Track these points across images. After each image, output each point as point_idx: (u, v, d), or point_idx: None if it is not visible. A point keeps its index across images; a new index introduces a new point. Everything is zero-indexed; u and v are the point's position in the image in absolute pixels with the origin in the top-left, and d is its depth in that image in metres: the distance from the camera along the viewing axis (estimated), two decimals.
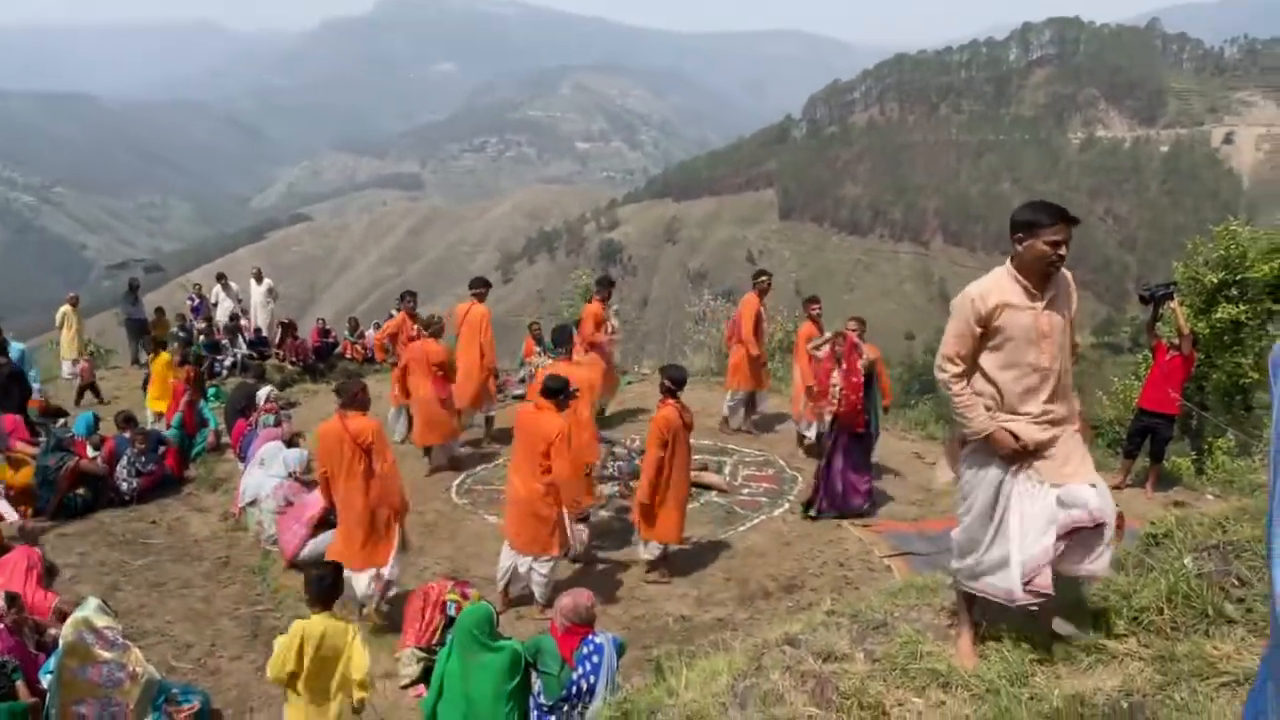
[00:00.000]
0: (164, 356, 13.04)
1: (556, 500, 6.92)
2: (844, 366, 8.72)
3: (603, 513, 9.13)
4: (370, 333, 18.51)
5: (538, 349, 14.46)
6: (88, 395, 14.64)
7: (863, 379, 8.70)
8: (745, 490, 9.81)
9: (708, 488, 9.67)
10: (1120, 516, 4.29)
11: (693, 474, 9.84)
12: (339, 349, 17.77)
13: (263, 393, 11.07)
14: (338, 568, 5.23)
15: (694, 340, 18.34)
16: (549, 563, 7.09)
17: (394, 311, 12.69)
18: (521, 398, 13.36)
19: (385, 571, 6.85)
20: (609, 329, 11.28)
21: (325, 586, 4.97)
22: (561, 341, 8.98)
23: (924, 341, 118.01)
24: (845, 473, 8.79)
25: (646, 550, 7.76)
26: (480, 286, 11.00)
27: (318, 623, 4.89)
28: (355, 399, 6.68)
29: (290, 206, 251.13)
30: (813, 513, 8.78)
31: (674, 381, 7.61)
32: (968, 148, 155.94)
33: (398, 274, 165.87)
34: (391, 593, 7.00)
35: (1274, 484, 2.53)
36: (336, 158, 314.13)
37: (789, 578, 7.69)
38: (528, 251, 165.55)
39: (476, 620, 5.10)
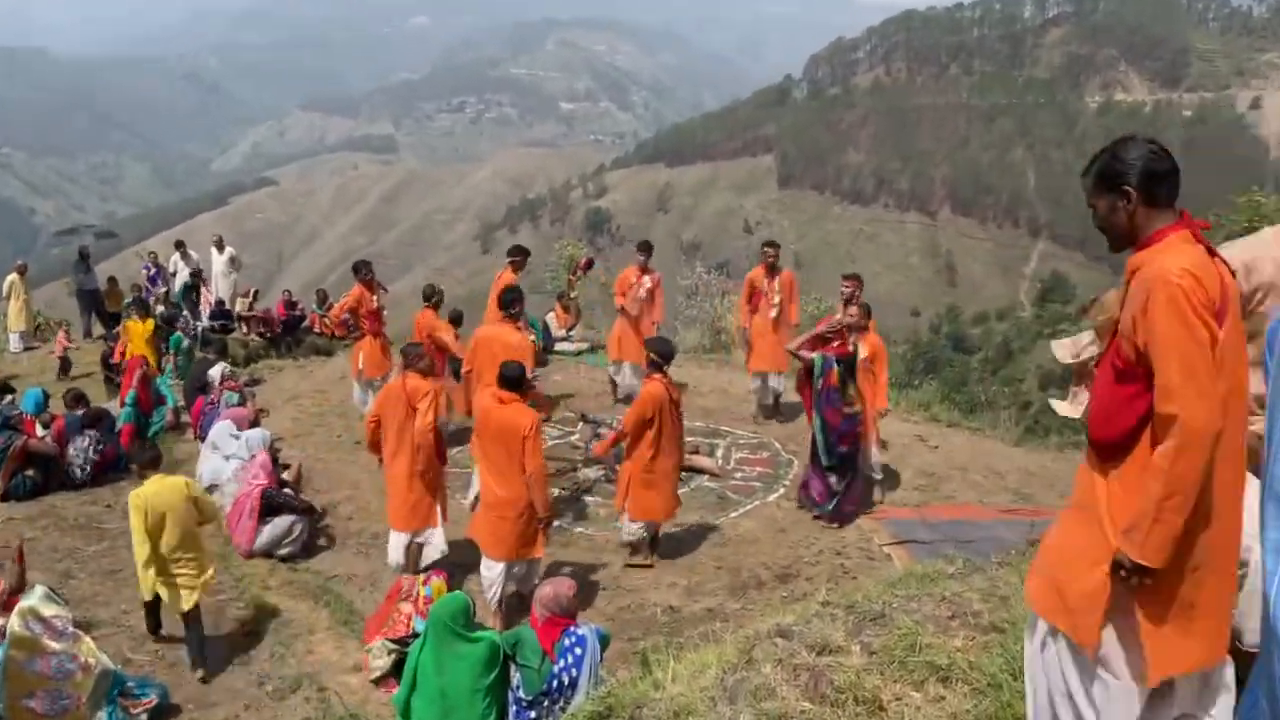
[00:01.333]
0: (142, 327, 12.95)
1: (543, 501, 6.75)
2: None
3: (587, 498, 9.16)
4: (336, 307, 18.44)
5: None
6: (55, 372, 14.56)
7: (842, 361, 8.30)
8: (738, 474, 9.84)
9: (699, 471, 9.69)
10: None
11: (684, 457, 9.89)
12: (306, 322, 17.69)
13: (215, 371, 11.02)
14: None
15: (686, 315, 18.34)
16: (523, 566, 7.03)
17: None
18: None
19: (427, 536, 7.33)
20: (639, 293, 11.47)
21: (155, 455, 6.53)
22: (509, 304, 8.59)
23: (930, 318, 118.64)
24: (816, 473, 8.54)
25: (627, 530, 7.78)
26: (517, 255, 10.94)
27: (149, 484, 6.28)
28: (419, 360, 7.29)
29: (254, 170, 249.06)
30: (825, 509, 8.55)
31: (660, 355, 7.65)
32: (979, 111, 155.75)
33: (369, 243, 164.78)
34: (426, 562, 7.37)
35: (1271, 468, 2.52)
36: (304, 118, 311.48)
37: (783, 566, 7.73)
38: (509, 220, 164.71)
39: (452, 610, 5.12)
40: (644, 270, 11.56)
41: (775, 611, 5.26)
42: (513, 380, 6.70)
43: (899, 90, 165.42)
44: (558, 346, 14.94)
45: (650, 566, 7.76)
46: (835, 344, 8.32)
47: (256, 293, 17.70)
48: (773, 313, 10.88)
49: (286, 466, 9.23)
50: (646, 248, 11.91)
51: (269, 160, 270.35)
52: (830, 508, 8.43)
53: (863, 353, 8.56)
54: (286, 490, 8.50)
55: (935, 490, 9.46)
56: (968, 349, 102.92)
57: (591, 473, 9.59)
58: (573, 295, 15.70)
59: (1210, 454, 2.47)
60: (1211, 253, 2.63)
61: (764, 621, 4.77)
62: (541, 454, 6.74)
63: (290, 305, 17.84)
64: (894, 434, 11.09)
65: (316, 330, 17.62)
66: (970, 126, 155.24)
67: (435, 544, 7.39)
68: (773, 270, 11.09)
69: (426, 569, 7.19)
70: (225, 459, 9.06)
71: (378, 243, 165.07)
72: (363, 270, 11.63)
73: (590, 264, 15.80)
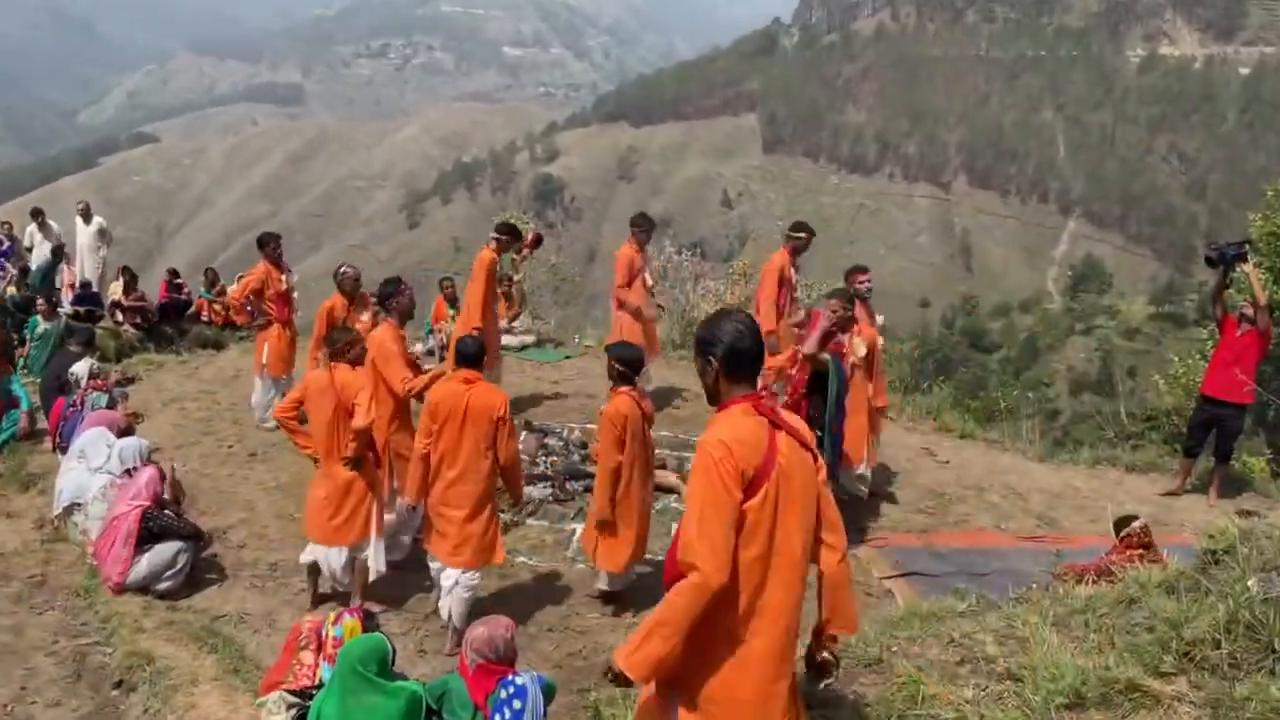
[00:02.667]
0: None
1: (516, 491, 7.27)
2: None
3: (531, 521, 9.14)
4: (233, 288, 18.23)
5: (450, 312, 14.38)
6: None
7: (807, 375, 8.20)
8: None
9: (667, 490, 9.69)
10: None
11: (674, 480, 9.89)
12: (193, 308, 17.49)
13: (81, 367, 10.87)
14: None
15: (653, 304, 18.35)
16: (479, 574, 7.19)
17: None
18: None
19: (365, 553, 7.49)
20: (645, 281, 11.57)
21: None
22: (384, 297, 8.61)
23: (941, 309, 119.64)
24: None
25: (604, 581, 7.78)
26: (505, 234, 11.04)
27: None
28: (350, 349, 7.47)
29: (130, 124, 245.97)
30: None
31: (626, 364, 7.50)
32: (1000, 66, 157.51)
33: (271, 214, 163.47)
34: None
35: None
36: (191, 63, 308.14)
37: None
38: (441, 188, 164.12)
39: (365, 652, 5.08)
40: (642, 250, 11.51)
41: None
42: (473, 357, 7.10)
43: (907, 39, 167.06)
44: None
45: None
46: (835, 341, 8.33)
47: (133, 273, 17.44)
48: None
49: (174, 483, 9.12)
50: (645, 222, 11.75)
51: (148, 113, 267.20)
52: None
53: (860, 351, 8.60)
54: (168, 512, 8.39)
55: (945, 513, 9.52)
56: (986, 347, 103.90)
57: (536, 491, 9.56)
58: (516, 279, 15.66)
59: (705, 603, 3.33)
60: (776, 425, 3.49)
61: None
62: (514, 438, 7.11)
63: (173, 288, 17.63)
64: (897, 446, 11.15)
65: (205, 318, 17.42)
66: (990, 83, 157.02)
67: (375, 557, 7.55)
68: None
69: (327, 603, 7.15)
70: (92, 472, 8.91)
71: (281, 213, 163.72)
72: (270, 244, 11.54)
73: (538, 241, 15.71)
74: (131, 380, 13.46)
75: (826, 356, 8.02)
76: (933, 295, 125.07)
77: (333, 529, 7.43)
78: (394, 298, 8.46)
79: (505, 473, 7.05)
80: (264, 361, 11.35)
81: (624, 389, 7.49)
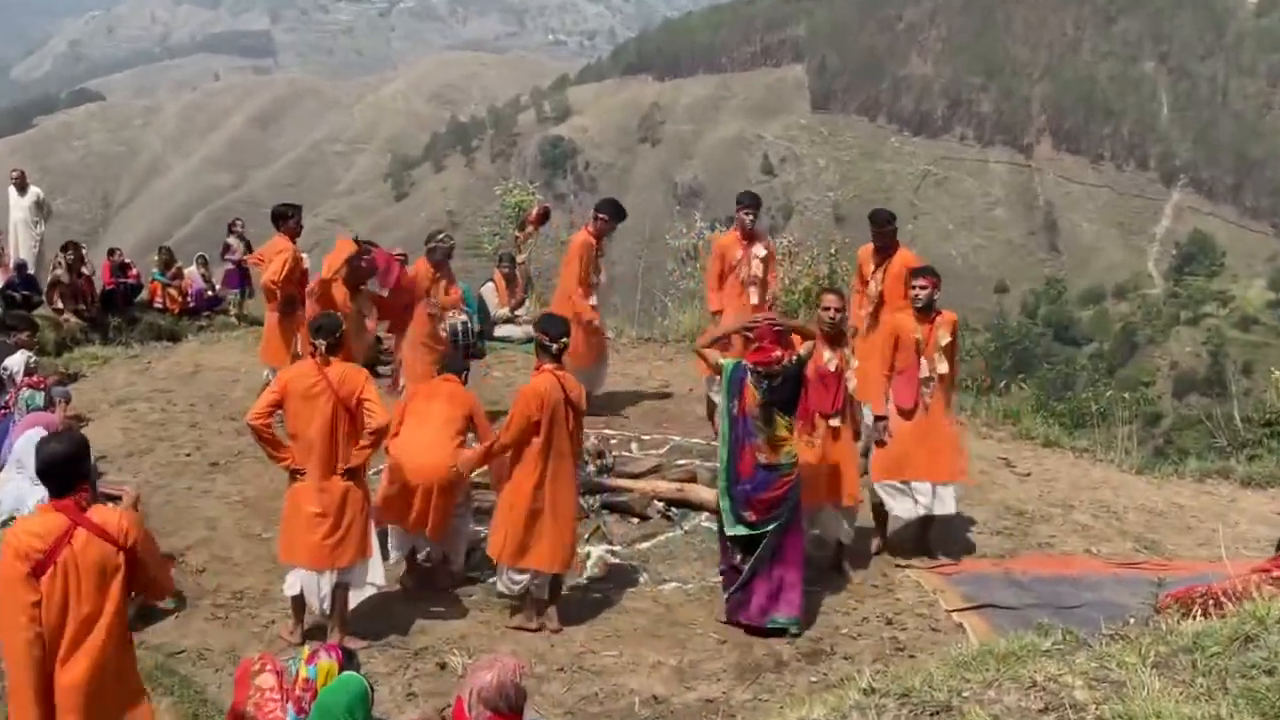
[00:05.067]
0: None
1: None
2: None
3: None
4: (192, 270, 18.29)
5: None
6: None
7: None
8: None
9: (696, 508, 9.71)
10: None
11: (678, 488, 9.89)
12: (144, 294, 17.57)
13: (16, 360, 10.92)
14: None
15: (679, 289, 18.30)
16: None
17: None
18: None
19: (354, 574, 7.53)
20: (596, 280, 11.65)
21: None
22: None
23: (1021, 295, 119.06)
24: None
25: (505, 580, 7.85)
26: (606, 213, 11.29)
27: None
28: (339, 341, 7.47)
29: (72, 79, 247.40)
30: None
31: (552, 337, 7.72)
32: (1093, 7, 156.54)
33: (234, 184, 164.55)
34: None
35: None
36: (141, 7, 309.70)
37: (812, 640, 7.76)
38: (432, 154, 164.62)
39: (349, 699, 5.12)
40: (751, 236, 11.37)
41: (800, 703, 5.28)
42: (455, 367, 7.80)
43: None
44: (499, 331, 14.89)
45: (557, 629, 7.80)
46: (755, 348, 7.84)
47: (77, 248, 17.49)
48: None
49: (114, 498, 9.16)
50: (752, 200, 11.59)
51: (92, 66, 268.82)
52: (727, 596, 7.99)
53: (829, 363, 8.29)
54: None
55: (1025, 535, 9.50)
56: (1074, 339, 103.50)
57: None
58: (521, 260, 15.65)
59: None
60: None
61: (785, 717, 4.77)
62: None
63: (120, 269, 17.68)
64: (969, 456, 11.12)
65: (158, 305, 17.49)
66: (1081, 28, 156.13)
67: (372, 578, 7.64)
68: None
69: (310, 635, 7.18)
70: (34, 482, 8.96)
71: (246, 183, 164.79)
72: (293, 217, 11.50)
73: (545, 215, 15.75)
74: (74, 377, 13.49)
75: (723, 362, 7.95)
76: (1011, 278, 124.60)
77: (328, 550, 7.41)
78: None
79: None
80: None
81: (547, 365, 7.68)
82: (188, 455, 11.06)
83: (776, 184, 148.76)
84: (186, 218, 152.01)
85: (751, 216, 11.24)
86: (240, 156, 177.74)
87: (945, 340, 8.56)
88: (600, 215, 11.44)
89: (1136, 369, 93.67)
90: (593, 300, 11.57)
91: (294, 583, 7.54)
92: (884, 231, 10.55)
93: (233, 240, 18.42)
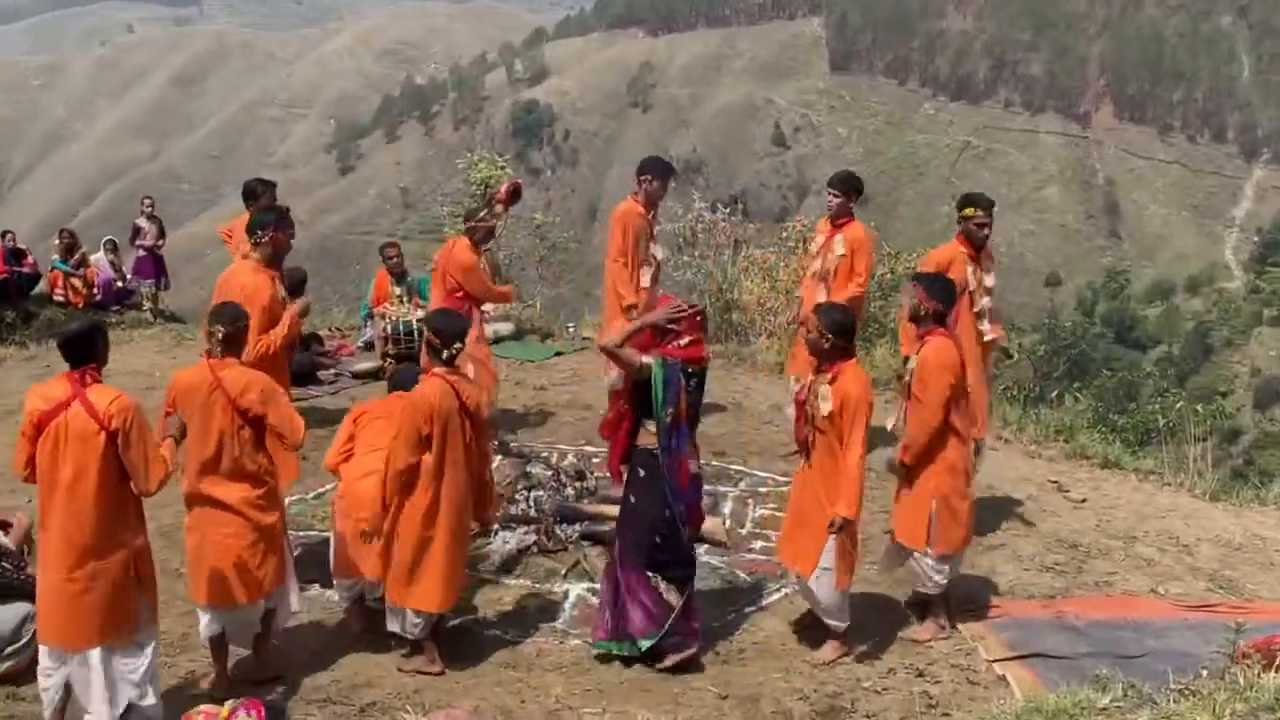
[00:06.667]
0: None
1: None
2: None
3: (509, 580, 9.15)
4: (100, 257, 18.29)
5: (397, 291, 14.38)
6: None
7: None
8: (757, 544, 9.84)
9: (715, 543, 9.72)
10: None
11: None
12: (43, 285, 17.58)
13: None
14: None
15: (676, 281, 18.35)
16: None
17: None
18: (374, 373, 13.45)
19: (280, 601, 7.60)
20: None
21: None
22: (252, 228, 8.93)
23: (1076, 290, 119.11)
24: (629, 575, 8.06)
25: (405, 623, 7.80)
26: (653, 171, 11.18)
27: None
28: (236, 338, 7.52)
29: None
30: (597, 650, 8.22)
31: (441, 335, 7.68)
32: None
33: (152, 155, 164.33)
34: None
35: None
36: None
37: (829, 695, 7.74)
38: (384, 120, 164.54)
39: None
40: (840, 225, 11.28)
41: None
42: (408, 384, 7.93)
43: None
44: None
45: (440, 674, 7.77)
46: (686, 342, 7.82)
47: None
48: None
49: (4, 525, 9.13)
50: (852, 182, 11.45)
51: None
52: (653, 641, 7.95)
53: (824, 409, 8.03)
54: (6, 564, 8.40)
55: (1080, 572, 9.49)
56: (1138, 341, 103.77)
57: (512, 538, 9.59)
58: (487, 246, 15.66)
59: None
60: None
61: None
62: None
63: (14, 256, 17.69)
64: (1016, 479, 11.12)
65: (59, 297, 17.49)
66: None
67: (289, 606, 7.70)
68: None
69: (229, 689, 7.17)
70: None
71: (165, 154, 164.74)
72: (265, 195, 11.54)
73: (516, 193, 15.69)
74: None
75: (649, 361, 7.89)
76: (1065, 269, 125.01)
77: (243, 579, 7.39)
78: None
79: None
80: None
81: (438, 369, 7.65)
82: None
83: (789, 158, 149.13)
84: (93, 195, 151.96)
85: (839, 200, 11.20)
86: (158, 122, 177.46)
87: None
88: (646, 177, 11.19)
89: (1211, 376, 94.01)
90: (644, 280, 11.29)
91: (210, 622, 7.51)
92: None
93: (144, 222, 18.43)
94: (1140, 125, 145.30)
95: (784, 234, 18.38)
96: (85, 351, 6.48)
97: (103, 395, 6.39)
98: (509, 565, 9.35)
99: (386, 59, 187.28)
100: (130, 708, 6.67)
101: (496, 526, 9.87)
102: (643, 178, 11.21)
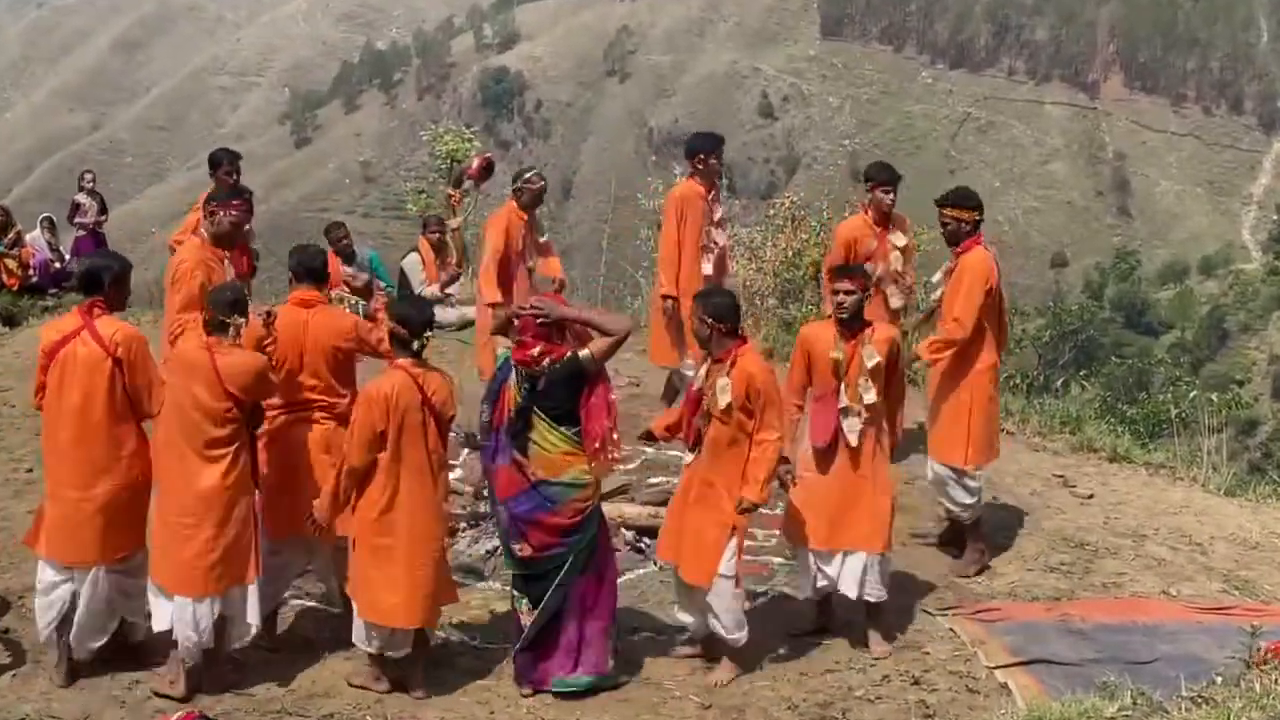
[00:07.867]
0: None
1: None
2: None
3: (478, 584, 9.14)
4: (36, 236, 18.24)
5: (348, 271, 14.36)
6: None
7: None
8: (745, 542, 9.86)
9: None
10: None
11: (650, 513, 9.89)
12: None
13: None
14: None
15: (655, 261, 18.33)
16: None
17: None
18: None
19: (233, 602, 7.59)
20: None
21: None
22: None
23: (1084, 271, 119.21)
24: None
25: (364, 637, 7.73)
26: (705, 151, 11.15)
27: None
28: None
29: None
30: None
31: (408, 325, 7.59)
32: None
33: (93, 126, 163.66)
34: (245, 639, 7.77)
35: None
36: None
37: (819, 705, 7.76)
38: (343, 89, 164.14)
39: None
40: (887, 221, 11.28)
41: None
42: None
43: None
44: None
45: (385, 693, 7.73)
46: (530, 343, 7.70)
47: None
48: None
49: None
50: (891, 176, 11.43)
51: None
52: (512, 656, 7.97)
53: (722, 400, 8.13)
54: None
55: (1087, 572, 9.53)
56: (1149, 326, 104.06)
57: (477, 546, 9.60)
58: (454, 226, 15.61)
59: None
60: None
61: None
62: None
63: None
64: (1018, 473, 11.16)
65: None
66: None
67: (249, 612, 7.63)
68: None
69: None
70: None
71: (106, 125, 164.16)
72: (225, 165, 11.48)
73: (488, 169, 15.69)
74: None
75: (499, 353, 7.95)
76: (1072, 250, 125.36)
77: (203, 571, 7.38)
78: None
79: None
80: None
81: (403, 361, 7.59)
82: (29, 470, 10.96)
83: (777, 129, 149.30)
84: (29, 169, 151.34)
85: (892, 196, 11.25)
86: (99, 91, 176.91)
87: (874, 361, 8.23)
88: (701, 155, 11.16)
89: (1227, 363, 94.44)
90: (706, 268, 11.33)
91: (162, 615, 7.48)
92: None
93: (83, 198, 18.40)
94: (1152, 95, 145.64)
95: (771, 211, 18.35)
96: (95, 283, 7.52)
97: (109, 325, 7.39)
98: (476, 568, 9.34)
99: (345, 23, 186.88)
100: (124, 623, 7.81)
101: (463, 525, 9.89)
102: (700, 155, 11.20)
